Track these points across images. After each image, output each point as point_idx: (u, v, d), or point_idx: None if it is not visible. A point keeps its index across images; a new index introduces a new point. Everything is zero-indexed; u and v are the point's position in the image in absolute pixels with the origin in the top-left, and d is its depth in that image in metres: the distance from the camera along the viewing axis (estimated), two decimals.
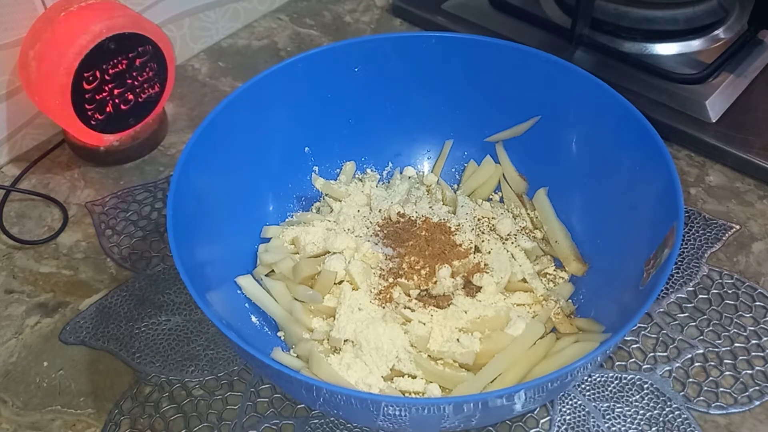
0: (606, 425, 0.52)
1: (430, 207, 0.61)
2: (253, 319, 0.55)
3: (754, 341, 0.56)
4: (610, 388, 0.54)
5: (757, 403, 0.53)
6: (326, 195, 0.64)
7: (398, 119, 0.64)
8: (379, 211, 0.60)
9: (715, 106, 0.70)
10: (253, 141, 0.59)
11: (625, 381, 0.54)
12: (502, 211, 0.63)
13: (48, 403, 0.54)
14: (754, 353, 0.56)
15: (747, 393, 0.54)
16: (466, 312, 0.54)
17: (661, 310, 0.58)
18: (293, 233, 0.59)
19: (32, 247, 0.64)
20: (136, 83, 0.67)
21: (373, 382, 0.50)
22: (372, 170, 0.66)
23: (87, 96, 0.64)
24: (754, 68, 0.74)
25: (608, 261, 0.56)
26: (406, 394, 0.51)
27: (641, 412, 0.53)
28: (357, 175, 0.66)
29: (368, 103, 0.63)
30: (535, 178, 0.63)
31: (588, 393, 0.54)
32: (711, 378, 0.55)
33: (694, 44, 0.74)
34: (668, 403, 0.53)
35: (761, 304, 0.59)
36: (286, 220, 0.62)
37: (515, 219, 0.62)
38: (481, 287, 0.55)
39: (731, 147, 0.68)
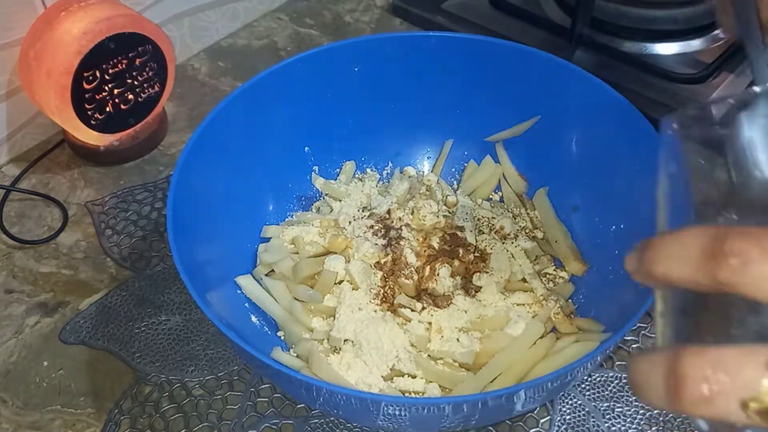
0: (606, 425, 0.52)
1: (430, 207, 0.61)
2: (253, 319, 0.55)
3: None
4: (610, 388, 0.54)
5: None
6: (326, 195, 0.63)
7: (398, 119, 0.64)
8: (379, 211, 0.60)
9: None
10: (253, 141, 0.59)
11: (625, 381, 0.54)
12: (502, 211, 0.63)
13: (48, 403, 0.54)
14: None
15: None
16: (466, 312, 0.54)
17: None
18: (293, 233, 0.59)
19: (32, 247, 0.64)
20: (136, 83, 0.67)
21: (373, 382, 0.50)
22: (372, 170, 0.66)
23: (87, 96, 0.64)
24: None
25: (608, 261, 0.56)
26: (406, 394, 0.51)
27: (641, 411, 0.53)
28: (357, 175, 0.66)
29: (368, 103, 0.63)
30: (535, 178, 0.63)
31: (588, 393, 0.54)
32: None
33: (694, 44, 0.74)
34: None
35: None
36: (286, 220, 0.62)
37: (515, 219, 0.62)
38: (481, 287, 0.55)
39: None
